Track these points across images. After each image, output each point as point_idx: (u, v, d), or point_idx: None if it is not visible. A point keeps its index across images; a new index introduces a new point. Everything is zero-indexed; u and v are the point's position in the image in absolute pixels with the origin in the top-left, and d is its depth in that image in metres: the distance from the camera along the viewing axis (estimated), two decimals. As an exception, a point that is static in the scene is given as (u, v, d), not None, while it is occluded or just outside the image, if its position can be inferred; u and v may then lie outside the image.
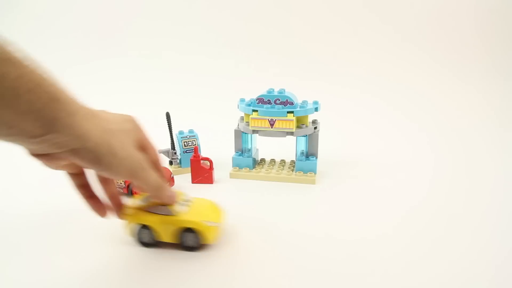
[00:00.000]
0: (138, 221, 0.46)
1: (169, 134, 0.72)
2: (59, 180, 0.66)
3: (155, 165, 0.43)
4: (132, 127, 0.40)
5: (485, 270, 0.43)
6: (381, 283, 0.41)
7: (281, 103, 0.65)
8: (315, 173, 0.68)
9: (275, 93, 0.65)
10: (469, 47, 1.25)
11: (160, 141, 0.80)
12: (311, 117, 0.69)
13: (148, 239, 0.47)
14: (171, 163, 0.74)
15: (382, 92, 1.19)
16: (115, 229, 0.49)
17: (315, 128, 0.68)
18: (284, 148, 0.79)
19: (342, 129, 0.99)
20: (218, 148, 0.80)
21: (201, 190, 0.65)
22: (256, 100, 0.66)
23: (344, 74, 1.25)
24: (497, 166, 0.74)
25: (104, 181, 0.44)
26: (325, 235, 0.50)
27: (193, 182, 0.68)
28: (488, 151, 0.83)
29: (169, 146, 0.74)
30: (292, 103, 0.65)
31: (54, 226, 0.53)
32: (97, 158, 0.35)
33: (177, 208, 0.46)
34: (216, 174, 0.70)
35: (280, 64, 1.29)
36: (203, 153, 0.73)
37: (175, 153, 0.73)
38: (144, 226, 0.46)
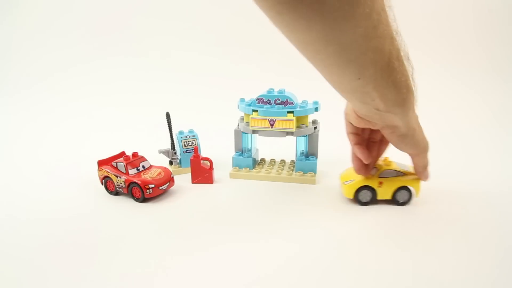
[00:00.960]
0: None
1: (169, 134, 0.72)
2: (61, 179, 0.65)
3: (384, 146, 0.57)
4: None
5: (485, 271, 0.43)
6: (381, 282, 0.41)
7: (281, 103, 0.65)
8: (315, 173, 0.68)
9: (275, 93, 0.65)
10: (469, 47, 1.25)
11: (160, 141, 0.80)
12: (311, 117, 0.69)
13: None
14: (171, 163, 0.74)
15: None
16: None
17: (315, 128, 0.68)
18: (284, 148, 0.79)
19: (342, 129, 0.98)
20: (218, 148, 0.80)
21: (201, 190, 0.65)
22: (256, 100, 0.66)
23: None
24: (497, 166, 0.74)
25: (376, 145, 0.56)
26: (325, 235, 0.50)
27: (193, 182, 0.68)
28: (488, 151, 0.83)
29: (169, 146, 0.74)
30: (292, 103, 0.65)
31: (56, 225, 0.53)
32: (404, 138, 0.47)
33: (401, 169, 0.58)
34: (216, 174, 0.70)
35: (280, 64, 1.29)
36: (203, 153, 0.73)
37: (175, 153, 0.73)
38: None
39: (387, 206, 0.58)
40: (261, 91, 0.66)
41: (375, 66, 0.34)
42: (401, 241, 0.49)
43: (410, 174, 0.58)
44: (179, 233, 0.51)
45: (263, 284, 0.41)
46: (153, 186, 0.60)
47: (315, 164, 0.68)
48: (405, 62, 0.38)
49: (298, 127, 0.67)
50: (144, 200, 0.60)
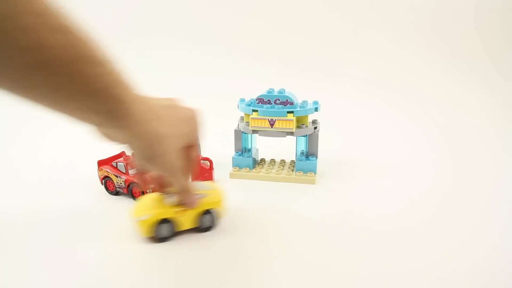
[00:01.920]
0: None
1: (169, 134, 0.72)
2: (59, 179, 0.65)
3: (192, 163, 0.48)
4: (188, 130, 0.44)
5: (485, 270, 0.43)
6: (381, 282, 0.41)
7: (281, 103, 0.65)
8: (315, 173, 0.68)
9: (275, 93, 0.65)
10: (469, 47, 1.25)
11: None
12: (311, 117, 0.69)
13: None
14: (171, 163, 0.74)
15: (382, 92, 1.19)
16: (117, 227, 0.49)
17: (315, 128, 0.68)
18: (284, 148, 0.79)
19: (342, 129, 0.99)
20: (218, 148, 0.80)
21: (201, 190, 0.65)
22: (256, 100, 0.66)
23: (344, 74, 1.25)
24: (497, 166, 0.74)
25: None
26: (325, 235, 0.50)
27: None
28: (488, 151, 0.83)
29: (169, 146, 0.74)
30: (292, 103, 0.65)
31: (56, 225, 0.53)
32: (144, 156, 0.40)
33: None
34: (216, 174, 0.70)
35: (280, 64, 1.29)
36: (203, 153, 0.73)
37: (175, 153, 0.73)
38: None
39: (392, 208, 0.58)
40: (261, 91, 0.66)
41: (54, 80, 0.29)
42: (405, 241, 0.49)
43: (213, 193, 0.52)
44: (179, 233, 0.51)
45: (261, 286, 0.41)
46: (153, 186, 0.59)
47: (315, 164, 0.68)
48: (106, 65, 0.32)
49: (298, 127, 0.67)
50: (144, 200, 0.60)
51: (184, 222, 0.49)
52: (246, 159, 0.71)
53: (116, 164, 0.62)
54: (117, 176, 0.61)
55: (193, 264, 0.44)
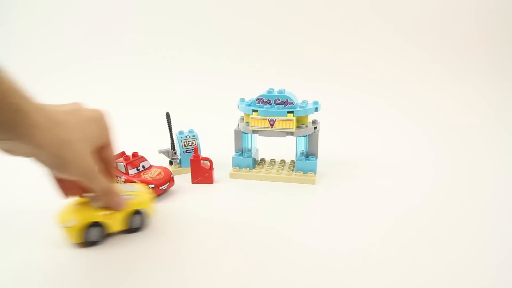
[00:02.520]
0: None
1: (169, 134, 0.72)
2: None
3: (109, 164, 0.48)
4: (97, 131, 0.43)
5: (485, 270, 0.43)
6: (381, 283, 0.41)
7: (281, 103, 0.65)
8: (315, 173, 0.68)
9: (275, 93, 0.65)
10: (469, 47, 1.25)
11: (160, 141, 0.80)
12: (311, 117, 0.69)
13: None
14: (171, 163, 0.74)
15: (382, 92, 1.19)
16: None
17: (315, 128, 0.68)
18: (284, 148, 0.79)
19: (342, 129, 0.99)
20: (218, 148, 0.80)
21: (201, 190, 0.65)
22: (256, 100, 0.66)
23: (344, 74, 1.25)
24: (497, 166, 0.74)
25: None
26: (325, 235, 0.50)
27: (193, 182, 0.68)
28: (488, 151, 0.83)
29: (169, 146, 0.74)
30: (292, 103, 0.65)
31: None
32: (53, 165, 0.39)
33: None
34: (216, 174, 0.70)
35: (280, 64, 1.29)
36: (203, 153, 0.73)
37: (175, 153, 0.73)
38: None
39: (393, 209, 0.58)
40: (261, 91, 0.66)
41: None
42: (405, 241, 0.49)
43: (140, 194, 0.52)
44: (179, 233, 0.51)
45: (260, 286, 0.41)
46: (153, 186, 0.59)
47: (315, 164, 0.68)
48: None
49: (298, 127, 0.67)
50: (144, 200, 0.60)
51: (113, 224, 0.48)
52: (246, 159, 0.71)
53: (116, 164, 0.62)
54: (117, 176, 0.61)
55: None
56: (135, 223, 0.50)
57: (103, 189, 0.45)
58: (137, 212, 0.50)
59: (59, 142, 0.38)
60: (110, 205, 0.47)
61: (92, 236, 0.47)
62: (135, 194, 0.51)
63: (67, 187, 0.46)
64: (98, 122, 0.44)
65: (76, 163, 0.40)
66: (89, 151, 0.42)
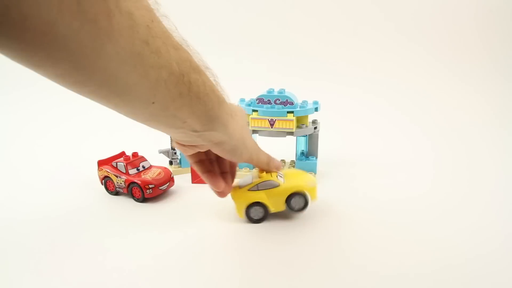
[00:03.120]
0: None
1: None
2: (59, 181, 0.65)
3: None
4: (245, 118, 0.46)
5: (486, 269, 0.43)
6: (381, 282, 0.41)
7: (281, 103, 0.65)
8: (315, 173, 0.68)
9: (275, 93, 0.65)
10: (470, 47, 1.25)
11: (160, 141, 0.80)
12: (311, 117, 0.69)
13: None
14: (171, 163, 0.74)
15: (382, 92, 1.19)
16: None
17: (315, 128, 0.68)
18: (284, 148, 0.79)
19: (342, 129, 0.99)
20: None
21: (201, 190, 0.65)
22: (256, 100, 0.66)
23: (344, 74, 1.25)
24: (497, 166, 0.74)
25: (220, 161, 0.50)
26: (325, 235, 0.50)
27: (193, 182, 0.68)
28: (488, 150, 0.83)
29: (169, 146, 0.74)
30: (292, 103, 0.65)
31: (57, 225, 0.53)
32: (235, 150, 0.42)
33: (278, 180, 0.52)
34: (216, 174, 0.69)
35: (280, 64, 1.29)
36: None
37: (175, 153, 0.73)
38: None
39: (393, 209, 0.58)
40: (261, 91, 0.66)
41: (166, 85, 0.29)
42: (405, 241, 0.49)
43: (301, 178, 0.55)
44: (179, 233, 0.51)
45: (261, 285, 0.41)
46: (153, 186, 0.60)
47: (315, 164, 0.68)
48: (206, 72, 0.35)
49: (298, 127, 0.67)
50: (144, 200, 0.60)
51: (273, 204, 0.52)
52: (246, 159, 0.71)
53: (116, 164, 0.62)
54: (117, 176, 0.61)
55: (195, 258, 0.44)
56: (298, 204, 0.53)
57: (265, 161, 0.50)
58: (297, 194, 0.52)
59: (241, 127, 0.42)
60: (275, 169, 0.53)
61: (255, 214, 0.53)
62: (297, 178, 0.54)
63: (214, 177, 0.48)
64: (243, 113, 0.46)
65: (251, 142, 0.45)
66: (250, 133, 0.46)
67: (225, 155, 0.43)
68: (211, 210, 0.58)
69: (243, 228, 0.52)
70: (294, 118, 0.64)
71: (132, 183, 0.60)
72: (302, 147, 0.70)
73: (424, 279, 0.41)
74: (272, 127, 0.65)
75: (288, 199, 0.52)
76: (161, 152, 0.73)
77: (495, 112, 1.08)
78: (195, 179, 0.68)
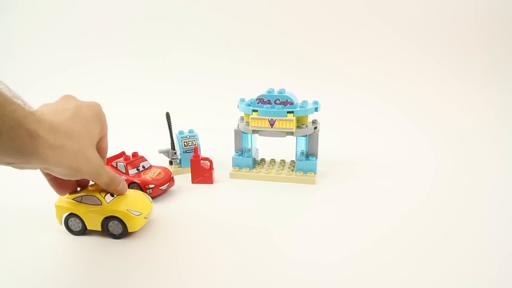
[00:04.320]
0: (66, 210, 0.49)
1: (169, 134, 0.72)
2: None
3: (103, 153, 0.48)
4: (98, 126, 0.45)
5: (486, 270, 0.43)
6: (381, 283, 0.41)
7: (281, 103, 0.65)
8: (315, 173, 0.68)
9: (275, 93, 0.65)
10: (469, 47, 1.25)
11: (160, 141, 0.80)
12: (311, 117, 0.69)
13: (76, 227, 0.50)
14: (171, 163, 0.74)
15: (382, 92, 1.19)
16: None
17: (315, 128, 0.68)
18: (284, 148, 0.79)
19: (342, 129, 0.99)
20: (218, 148, 0.80)
21: (201, 190, 0.65)
22: (256, 100, 0.66)
23: (344, 74, 1.25)
24: (497, 166, 0.74)
25: None
26: (325, 235, 0.50)
27: (193, 182, 0.68)
28: (488, 151, 0.83)
29: (169, 146, 0.74)
30: (292, 103, 0.65)
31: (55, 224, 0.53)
32: (66, 175, 0.41)
33: (106, 198, 0.48)
34: (216, 174, 0.70)
35: (280, 64, 1.29)
36: (203, 153, 0.73)
37: (175, 153, 0.73)
38: (73, 215, 0.49)
39: (393, 209, 0.58)
40: (261, 91, 0.66)
41: None
42: (405, 242, 0.49)
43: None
44: (179, 233, 0.51)
45: (260, 285, 0.41)
46: (153, 186, 0.60)
47: (315, 164, 0.68)
48: (12, 105, 0.31)
49: (298, 127, 0.67)
50: (144, 200, 0.60)
51: (90, 222, 0.49)
52: (246, 159, 0.71)
53: (116, 164, 0.62)
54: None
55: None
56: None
57: (107, 181, 0.46)
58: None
59: (72, 155, 0.39)
60: (115, 192, 0.49)
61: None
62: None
63: (61, 184, 0.47)
64: (99, 117, 0.45)
65: (87, 167, 0.42)
66: (94, 149, 0.44)
67: (60, 177, 0.42)
68: (211, 210, 0.58)
69: (243, 227, 0.52)
70: (294, 118, 0.64)
71: (132, 183, 0.60)
72: (302, 147, 0.70)
73: (424, 279, 0.41)
74: (272, 127, 0.65)
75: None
76: (161, 152, 0.73)
77: (495, 112, 1.08)
78: (195, 179, 0.68)
